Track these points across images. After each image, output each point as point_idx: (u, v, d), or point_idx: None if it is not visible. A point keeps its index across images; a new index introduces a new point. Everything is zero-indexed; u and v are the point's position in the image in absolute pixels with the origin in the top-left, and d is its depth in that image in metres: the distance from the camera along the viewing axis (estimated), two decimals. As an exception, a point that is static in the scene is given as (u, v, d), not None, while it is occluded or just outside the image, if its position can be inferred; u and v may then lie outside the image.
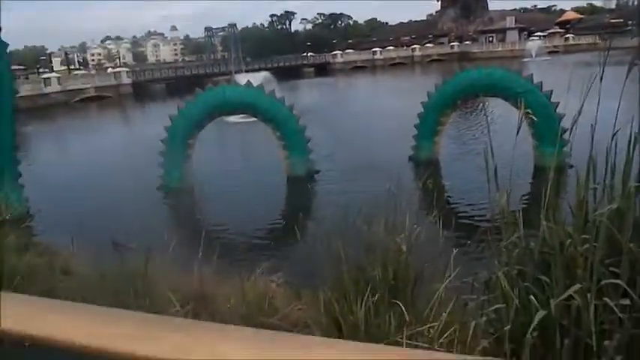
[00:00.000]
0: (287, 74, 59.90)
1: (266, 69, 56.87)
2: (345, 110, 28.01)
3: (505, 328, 2.62)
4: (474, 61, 57.76)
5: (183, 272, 4.97)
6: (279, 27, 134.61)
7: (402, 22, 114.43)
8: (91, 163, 18.55)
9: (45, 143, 25.60)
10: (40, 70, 76.07)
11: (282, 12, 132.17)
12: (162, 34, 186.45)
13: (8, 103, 12.02)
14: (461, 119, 19.86)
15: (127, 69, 65.63)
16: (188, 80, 60.09)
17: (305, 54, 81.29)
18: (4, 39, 11.84)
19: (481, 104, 21.23)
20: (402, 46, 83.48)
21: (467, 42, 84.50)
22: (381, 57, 77.98)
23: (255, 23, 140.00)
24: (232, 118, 18.02)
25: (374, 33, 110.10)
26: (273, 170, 13.70)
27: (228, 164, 16.00)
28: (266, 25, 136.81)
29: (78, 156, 21.69)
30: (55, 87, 49.48)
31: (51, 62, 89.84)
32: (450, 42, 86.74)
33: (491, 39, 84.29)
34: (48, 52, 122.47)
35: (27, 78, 53.47)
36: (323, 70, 72.90)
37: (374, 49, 79.50)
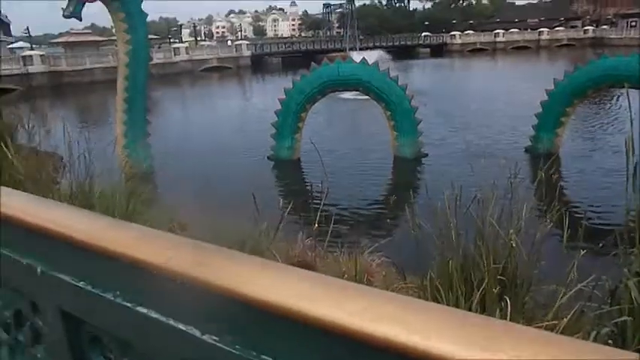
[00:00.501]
0: (402, 53, 58.76)
1: (381, 47, 56.24)
2: (461, 94, 26.87)
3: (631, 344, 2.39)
4: (610, 47, 52.21)
5: (287, 241, 5.16)
6: (397, 5, 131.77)
7: (531, 3, 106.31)
8: (209, 128, 19.87)
9: (171, 107, 27.71)
10: (171, 40, 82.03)
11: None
12: (281, 10, 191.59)
13: (143, 68, 13.15)
14: (588, 111, 18.14)
15: (247, 42, 68.56)
16: (303, 55, 61.41)
17: (422, 34, 78.88)
18: (143, 10, 12.94)
19: (615, 96, 19.23)
20: (528, 29, 77.62)
21: (604, 26, 76.34)
22: (503, 39, 73.20)
23: (373, 1, 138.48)
24: (346, 95, 18.14)
25: (498, 14, 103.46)
26: (381, 150, 13.63)
27: (337, 139, 16.17)
28: (384, 3, 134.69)
29: (198, 121, 23.26)
30: (183, 56, 53.17)
31: (181, 33, 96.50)
32: (583, 26, 78.98)
33: (634, 23, 75.15)
34: (179, 23, 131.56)
35: (159, 47, 57.89)
36: (439, 51, 70.30)
37: (496, 31, 74.82)
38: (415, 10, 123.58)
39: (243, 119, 22.48)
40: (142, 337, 0.49)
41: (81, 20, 13.53)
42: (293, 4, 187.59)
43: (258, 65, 58.18)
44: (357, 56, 15.83)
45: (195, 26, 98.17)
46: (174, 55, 52.92)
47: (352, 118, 20.22)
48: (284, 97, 13.24)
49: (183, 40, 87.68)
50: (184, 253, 0.43)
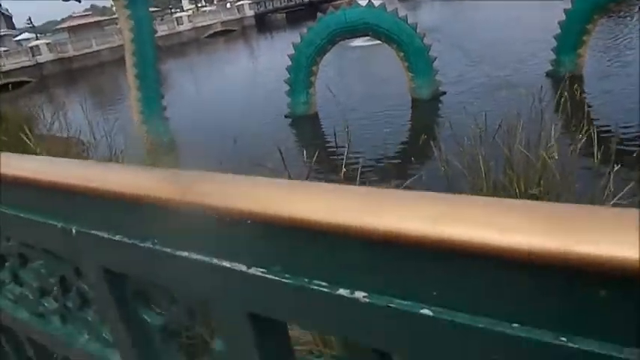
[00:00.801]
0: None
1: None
2: (474, 27, 25.87)
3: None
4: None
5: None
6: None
7: None
8: (223, 94, 19.79)
9: (181, 78, 27.61)
10: (172, 10, 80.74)
11: None
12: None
13: (149, 42, 13.02)
14: (610, 26, 17.30)
15: (248, 1, 66.98)
16: (307, 8, 59.82)
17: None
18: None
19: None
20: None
21: None
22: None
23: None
24: (356, 42, 17.71)
25: None
26: (398, 94, 13.38)
27: (352, 89, 15.92)
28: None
29: (211, 88, 23.16)
30: (186, 25, 52.50)
31: (181, 2, 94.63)
32: None
33: None
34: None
35: (162, 19, 57.17)
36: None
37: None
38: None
39: (256, 80, 22.25)
40: (185, 282, 0.47)
41: (80, 2, 13.40)
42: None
43: (263, 24, 57.06)
44: (363, 1, 15.36)
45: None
46: (177, 24, 52.30)
47: (365, 66, 19.79)
48: (293, 52, 12.99)
49: (184, 8, 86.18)
50: (220, 188, 0.41)
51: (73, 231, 0.56)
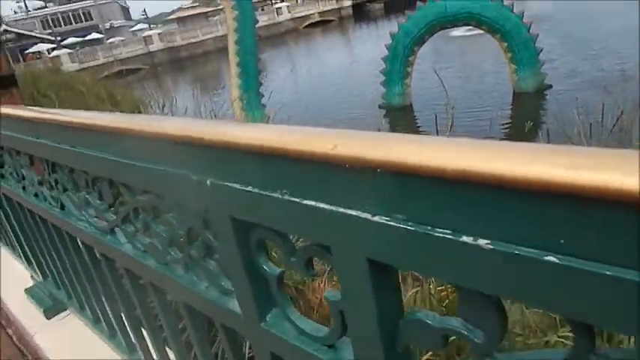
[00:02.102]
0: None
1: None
2: (596, 15, 23.79)
3: None
4: None
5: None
6: None
7: None
8: (319, 83, 20.08)
9: (279, 67, 28.37)
10: (273, 1, 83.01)
11: None
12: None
13: (251, 31, 13.54)
14: None
15: (347, -9, 67.04)
16: (405, -3, 58.67)
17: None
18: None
19: None
20: None
21: None
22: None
23: None
24: (456, 32, 17.12)
25: None
26: (499, 86, 12.78)
27: (449, 81, 15.43)
28: None
29: (307, 77, 23.59)
30: (285, 15, 53.76)
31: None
32: None
33: None
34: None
35: (263, 9, 58.98)
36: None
37: None
38: None
39: (351, 70, 22.33)
40: (310, 230, 0.52)
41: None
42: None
43: (361, 14, 56.84)
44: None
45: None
46: (277, 15, 53.70)
47: (464, 56, 19.07)
48: (390, 42, 12.85)
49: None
50: (350, 141, 0.44)
51: (208, 183, 0.62)
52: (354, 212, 0.45)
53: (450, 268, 0.40)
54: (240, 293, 0.71)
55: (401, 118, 12.62)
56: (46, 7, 72.62)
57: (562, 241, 0.33)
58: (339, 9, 57.37)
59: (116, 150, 0.88)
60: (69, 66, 36.85)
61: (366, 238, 0.45)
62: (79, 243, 1.37)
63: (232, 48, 13.45)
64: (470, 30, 14.59)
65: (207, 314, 0.85)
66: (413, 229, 0.41)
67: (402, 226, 0.41)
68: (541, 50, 11.93)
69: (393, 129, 12.40)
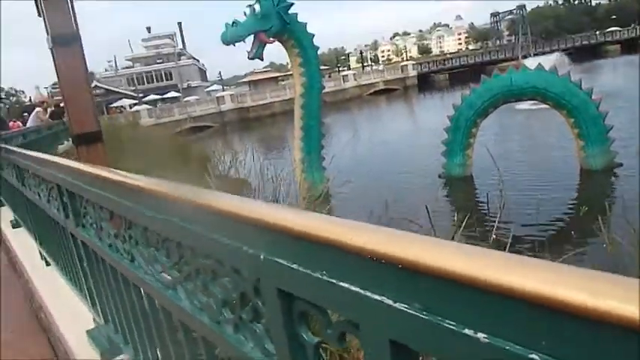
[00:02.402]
0: (584, 55, 53.08)
1: (558, 50, 51.64)
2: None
3: None
4: None
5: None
6: (574, 2, 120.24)
7: None
8: (380, 149, 20.36)
9: (342, 132, 29.07)
10: (340, 68, 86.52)
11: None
12: (446, 25, 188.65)
13: (317, 97, 14.15)
14: None
15: (412, 62, 68.85)
16: (472, 69, 59.39)
17: (608, 29, 70.26)
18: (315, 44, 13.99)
19: None
20: None
21: None
22: None
23: (547, 2, 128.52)
24: (520, 105, 17.04)
25: None
26: (565, 162, 12.45)
27: (513, 153, 15.22)
28: (560, 2, 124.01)
29: (368, 142, 23.98)
30: (351, 82, 55.67)
31: (348, 61, 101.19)
32: None
33: None
34: (346, 52, 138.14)
35: (330, 76, 61.60)
36: (632, 46, 61.62)
37: None
38: (598, 4, 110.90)
39: (413, 138, 22.56)
40: (342, 308, 0.60)
41: (262, 60, 15.13)
42: (458, 18, 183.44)
43: (425, 84, 57.90)
44: (532, 63, 14.77)
45: (361, 52, 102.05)
46: (343, 82, 55.69)
47: (528, 130, 18.83)
48: (453, 113, 12.98)
49: (351, 67, 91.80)
50: (378, 237, 0.53)
51: (261, 257, 0.73)
52: (379, 297, 0.53)
53: (455, 354, 0.47)
54: (281, 357, 0.79)
55: (460, 189, 12.48)
56: (132, 67, 79.40)
57: (544, 343, 0.39)
58: (404, 78, 58.75)
59: (185, 217, 1.01)
60: (147, 120, 39.63)
61: (389, 320, 0.53)
62: (143, 293, 1.50)
63: (298, 112, 14.07)
64: (535, 103, 14.47)
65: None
66: (427, 317, 0.48)
67: (418, 314, 0.49)
68: (611, 127, 11.62)
69: (452, 199, 12.26)
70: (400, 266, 0.49)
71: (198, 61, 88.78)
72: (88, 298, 2.39)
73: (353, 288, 0.56)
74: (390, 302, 0.52)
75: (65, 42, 3.74)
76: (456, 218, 5.19)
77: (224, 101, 50.78)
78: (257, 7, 12.60)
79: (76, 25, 3.80)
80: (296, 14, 13.24)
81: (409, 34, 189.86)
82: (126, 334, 1.96)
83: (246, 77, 71.73)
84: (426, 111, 36.33)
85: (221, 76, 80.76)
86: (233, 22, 12.51)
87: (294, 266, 0.65)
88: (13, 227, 5.30)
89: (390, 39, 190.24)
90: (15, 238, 4.94)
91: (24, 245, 4.55)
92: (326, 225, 0.60)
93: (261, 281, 0.76)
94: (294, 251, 0.66)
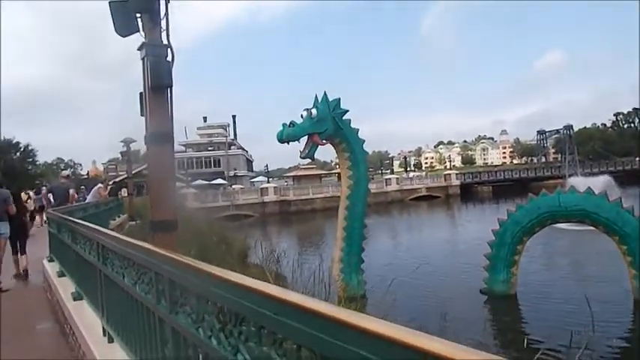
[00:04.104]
0: (632, 179, 52.27)
1: (606, 172, 51.22)
2: None
3: None
4: None
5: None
6: (624, 126, 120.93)
7: None
8: (417, 257, 20.13)
9: (382, 235, 29.05)
10: (383, 171, 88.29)
11: (631, 109, 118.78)
12: (491, 138, 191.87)
13: (362, 200, 14.46)
14: None
15: (456, 171, 69.69)
16: (516, 183, 59.36)
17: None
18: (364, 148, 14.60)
19: None
20: None
21: None
22: None
23: (595, 123, 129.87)
24: (564, 225, 16.80)
25: None
26: (616, 290, 11.96)
27: (559, 277, 14.78)
28: (608, 125, 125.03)
29: (408, 248, 23.79)
30: (393, 186, 56.50)
31: (392, 165, 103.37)
32: None
33: None
34: (390, 156, 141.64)
35: (372, 178, 62.80)
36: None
37: None
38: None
39: (453, 248, 22.30)
40: None
41: (313, 160, 15.83)
42: (504, 132, 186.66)
43: (468, 194, 58.02)
44: (578, 183, 14.79)
45: (405, 158, 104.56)
46: (386, 185, 56.58)
47: (575, 252, 18.33)
48: (497, 227, 12.93)
49: (394, 170, 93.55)
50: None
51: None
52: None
53: None
54: None
55: (503, 307, 12.06)
56: (185, 151, 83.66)
57: None
58: (447, 187, 59.17)
59: (313, 325, 1.20)
60: (192, 204, 40.94)
61: None
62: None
63: (342, 212, 14.34)
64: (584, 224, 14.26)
65: None
66: None
67: None
68: (667, 259, 11.24)
69: (494, 317, 11.81)
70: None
71: (246, 152, 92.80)
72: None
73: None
74: None
75: (160, 140, 4.22)
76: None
77: (267, 192, 52.24)
78: (314, 111, 13.40)
79: (172, 127, 4.31)
80: (349, 120, 14.01)
81: (453, 143, 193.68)
82: None
83: (290, 171, 74.10)
84: (467, 221, 36.04)
85: (267, 167, 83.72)
86: (290, 123, 13.33)
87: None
88: (74, 299, 5.55)
89: (435, 147, 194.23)
90: (74, 311, 5.16)
91: (84, 319, 4.76)
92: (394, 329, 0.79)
93: None
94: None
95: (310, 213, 47.65)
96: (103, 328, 4.11)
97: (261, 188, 54.27)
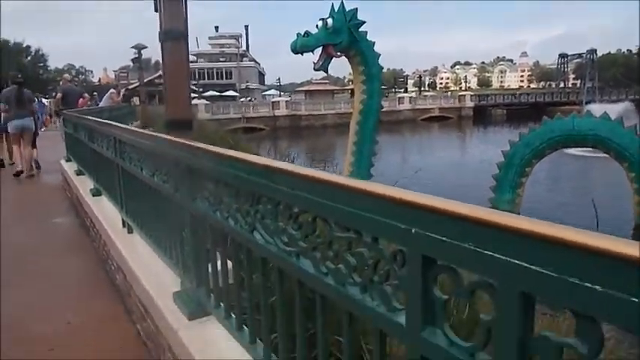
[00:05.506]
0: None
1: (627, 100, 49.99)
2: None
3: None
4: None
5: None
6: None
7: None
8: (424, 176, 20.38)
9: (391, 153, 29.18)
10: (396, 89, 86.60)
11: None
12: (510, 61, 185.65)
13: (374, 116, 14.36)
14: None
15: (470, 93, 68.18)
16: (531, 108, 58.26)
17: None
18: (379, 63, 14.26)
19: None
20: None
21: None
22: None
23: (620, 49, 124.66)
24: (574, 150, 16.74)
25: None
26: (618, 214, 12.17)
27: (562, 197, 14.96)
28: (634, 51, 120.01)
29: (415, 167, 23.97)
30: (406, 105, 55.74)
31: (406, 84, 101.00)
32: None
33: None
34: (405, 74, 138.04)
35: (386, 96, 61.76)
36: None
37: None
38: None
39: (460, 169, 22.45)
40: (485, 270, 0.85)
41: (327, 73, 15.52)
42: (524, 54, 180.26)
43: (481, 116, 57.23)
44: (598, 109, 14.50)
45: (420, 77, 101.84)
46: (399, 103, 55.80)
47: (583, 178, 18.42)
48: (508, 148, 12.92)
49: (408, 90, 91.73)
50: (532, 223, 0.79)
51: (413, 231, 0.99)
52: (517, 261, 0.78)
53: (575, 301, 0.71)
54: (410, 310, 1.05)
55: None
56: (196, 61, 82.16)
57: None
58: (460, 108, 58.27)
59: (327, 196, 1.28)
60: (203, 115, 40.90)
61: (523, 279, 0.78)
62: (256, 260, 1.80)
63: (353, 127, 14.30)
64: (594, 151, 14.21)
65: (374, 325, 1.18)
66: (556, 275, 0.73)
67: (545, 271, 0.74)
68: (673, 187, 11.31)
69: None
70: (542, 241, 0.74)
71: (258, 64, 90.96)
72: (180, 264, 2.72)
73: (495, 255, 0.82)
74: (526, 264, 0.77)
75: (174, 37, 4.17)
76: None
77: (278, 107, 51.84)
78: (329, 21, 12.94)
79: (186, 24, 4.23)
80: (366, 32, 13.57)
81: (471, 64, 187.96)
82: (218, 298, 2.27)
83: (303, 86, 72.91)
84: (478, 143, 35.92)
85: (280, 81, 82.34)
86: (305, 33, 12.93)
87: (444, 238, 0.91)
88: (93, 195, 5.79)
89: (451, 67, 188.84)
90: (94, 206, 5.40)
91: (103, 213, 5.00)
92: (473, 209, 0.87)
93: (406, 250, 1.02)
94: (446, 227, 0.91)
95: (321, 128, 47.58)
96: (123, 220, 4.33)
97: (273, 102, 53.78)
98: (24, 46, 73.07)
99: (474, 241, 0.86)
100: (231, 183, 1.91)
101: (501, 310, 0.83)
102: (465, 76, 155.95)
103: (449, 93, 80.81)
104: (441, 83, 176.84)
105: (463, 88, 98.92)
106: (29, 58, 74.60)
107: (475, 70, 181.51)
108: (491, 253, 0.83)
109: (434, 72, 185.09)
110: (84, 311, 3.89)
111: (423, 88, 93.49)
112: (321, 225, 1.38)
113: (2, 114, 10.37)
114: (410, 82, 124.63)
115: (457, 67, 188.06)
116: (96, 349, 3.27)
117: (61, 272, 4.80)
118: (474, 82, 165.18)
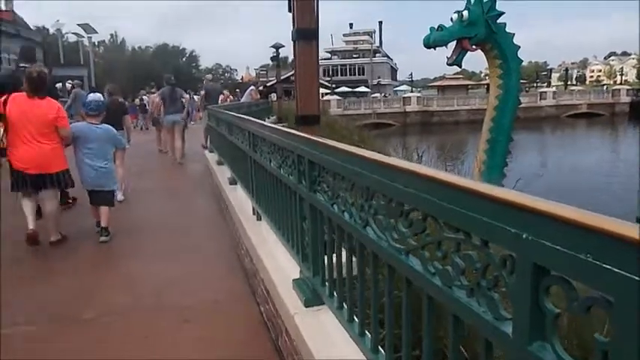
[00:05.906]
0: None
1: None
2: None
3: None
4: None
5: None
6: None
7: None
8: (565, 179, 18.65)
9: (529, 152, 27.21)
10: (538, 84, 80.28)
11: None
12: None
13: (510, 112, 13.48)
14: None
15: (627, 87, 60.64)
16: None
17: None
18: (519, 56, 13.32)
19: None
20: None
21: None
22: None
23: None
24: None
25: None
26: None
27: None
28: None
29: (554, 169, 22.09)
30: (549, 101, 51.46)
31: (550, 77, 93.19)
32: None
33: None
34: (549, 67, 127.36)
35: (527, 91, 57.60)
36: None
37: None
38: None
39: (611, 173, 20.16)
40: (601, 287, 0.78)
41: (461, 67, 14.94)
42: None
43: (638, 114, 50.61)
44: None
45: (566, 70, 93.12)
46: (540, 99, 51.75)
47: None
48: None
49: (552, 84, 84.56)
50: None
51: (524, 236, 0.93)
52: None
53: None
54: (517, 321, 0.98)
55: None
56: (330, 58, 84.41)
57: None
58: (614, 104, 52.18)
59: (437, 194, 1.26)
60: (335, 110, 42.00)
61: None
62: (368, 255, 1.82)
63: (487, 124, 13.58)
64: None
65: (480, 332, 1.13)
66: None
67: None
68: None
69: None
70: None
71: (391, 60, 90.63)
72: (300, 252, 2.85)
73: (615, 270, 0.74)
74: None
75: (306, 37, 4.35)
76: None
77: (410, 102, 51.20)
78: (465, 13, 12.43)
79: (318, 24, 4.38)
80: (504, 24, 12.79)
81: (629, 54, 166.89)
82: (333, 288, 2.34)
83: (435, 81, 71.08)
84: (633, 143, 31.89)
85: (412, 77, 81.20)
86: (439, 27, 12.57)
87: (557, 247, 0.84)
88: (230, 184, 6.31)
89: (605, 58, 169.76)
90: (230, 194, 5.89)
91: (238, 200, 5.42)
92: (592, 217, 0.79)
93: (516, 256, 0.96)
94: (559, 236, 0.84)
95: (453, 125, 46.01)
96: (253, 208, 4.65)
97: (404, 97, 53.26)
98: (180, 48, 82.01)
99: (592, 252, 0.78)
100: (347, 177, 1.95)
101: (621, 331, 0.75)
102: (622, 68, 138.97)
103: (605, 87, 72.60)
104: (591, 77, 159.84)
105: (618, 82, 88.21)
106: (184, 59, 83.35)
107: (634, 61, 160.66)
108: (610, 267, 0.75)
109: (583, 64, 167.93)
110: (218, 289, 4.26)
111: (569, 82, 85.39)
112: (431, 224, 1.35)
113: (160, 109, 11.87)
114: (555, 75, 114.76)
115: (612, 57, 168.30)
116: (224, 325, 3.57)
117: (204, 252, 5.31)
118: (631, 75, 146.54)
